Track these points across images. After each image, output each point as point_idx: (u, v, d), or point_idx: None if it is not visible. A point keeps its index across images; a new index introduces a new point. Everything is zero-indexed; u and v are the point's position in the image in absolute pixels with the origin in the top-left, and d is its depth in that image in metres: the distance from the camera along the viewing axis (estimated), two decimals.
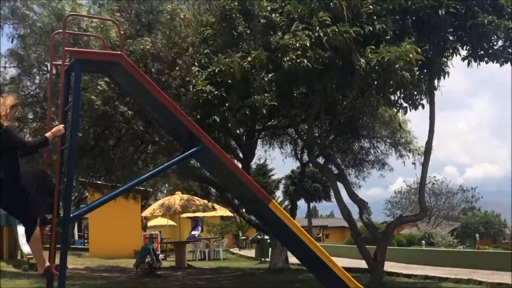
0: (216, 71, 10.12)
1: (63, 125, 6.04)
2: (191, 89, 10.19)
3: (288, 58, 9.22)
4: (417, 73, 10.24)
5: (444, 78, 10.93)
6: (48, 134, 5.90)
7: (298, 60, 9.10)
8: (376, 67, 9.01)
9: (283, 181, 49.57)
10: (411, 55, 8.91)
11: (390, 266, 16.05)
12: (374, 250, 11.24)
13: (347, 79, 9.97)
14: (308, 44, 9.19)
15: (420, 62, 9.40)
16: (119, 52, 6.34)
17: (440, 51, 10.70)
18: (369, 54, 9.20)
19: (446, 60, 11.17)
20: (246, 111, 9.75)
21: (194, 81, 10.25)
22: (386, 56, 8.94)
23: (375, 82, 9.78)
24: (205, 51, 11.11)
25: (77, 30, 11.52)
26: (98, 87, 11.77)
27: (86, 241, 37.48)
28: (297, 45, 9.27)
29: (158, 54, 11.55)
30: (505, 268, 14.18)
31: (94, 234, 27.58)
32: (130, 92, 7.84)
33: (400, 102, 11.07)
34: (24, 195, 5.61)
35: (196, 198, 23.30)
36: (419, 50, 9.30)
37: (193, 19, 12.02)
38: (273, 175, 48.92)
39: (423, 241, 31.10)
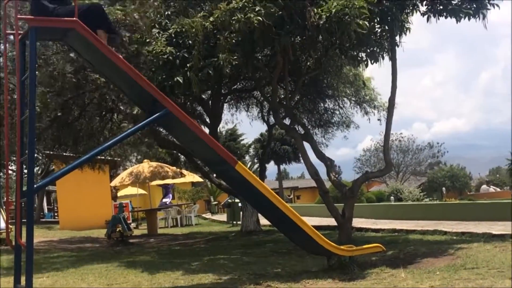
0: (178, 31, 9.93)
1: None
2: (150, 51, 9.98)
3: (236, 18, 9.15)
4: (377, 25, 10.23)
5: (405, 34, 10.99)
6: None
7: (247, 17, 9.00)
8: (333, 20, 8.92)
9: (252, 146, 49.88)
10: (356, 2, 8.83)
11: (359, 222, 16.37)
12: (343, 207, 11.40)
13: (305, 34, 9.92)
14: None
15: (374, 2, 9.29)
16: (74, 19, 6.18)
17: (401, 7, 10.70)
18: (319, 10, 9.14)
19: (406, 16, 11.19)
20: (209, 70, 9.60)
21: (154, 43, 10.05)
22: (333, 9, 8.89)
23: (334, 38, 9.69)
24: (166, 13, 10.90)
25: None
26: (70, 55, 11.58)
27: (56, 214, 37.21)
28: (241, 5, 9.20)
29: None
30: (469, 218, 14.60)
31: (63, 207, 27.29)
32: (88, 59, 7.69)
33: (361, 56, 11.07)
34: None
35: (164, 165, 23.19)
36: None
37: None
38: (243, 139, 49.23)
39: (392, 197, 31.75)
